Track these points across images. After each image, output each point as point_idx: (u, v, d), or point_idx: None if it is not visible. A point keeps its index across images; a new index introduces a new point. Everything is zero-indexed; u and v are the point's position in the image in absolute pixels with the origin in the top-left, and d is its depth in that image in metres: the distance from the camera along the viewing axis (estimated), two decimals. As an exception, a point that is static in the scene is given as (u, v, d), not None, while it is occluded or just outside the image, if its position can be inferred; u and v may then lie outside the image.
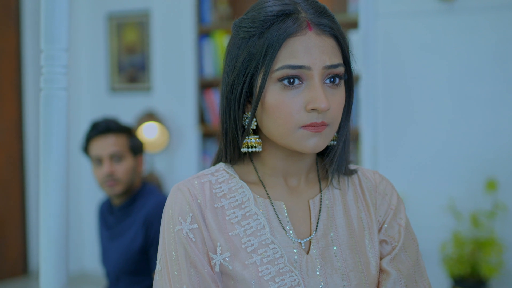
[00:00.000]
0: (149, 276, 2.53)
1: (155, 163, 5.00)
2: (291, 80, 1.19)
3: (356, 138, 4.11)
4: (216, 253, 1.24)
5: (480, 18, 3.65)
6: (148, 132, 4.75)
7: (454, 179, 3.70)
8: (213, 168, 1.35)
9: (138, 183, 2.70)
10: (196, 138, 4.83)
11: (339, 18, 4.47)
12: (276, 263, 1.23)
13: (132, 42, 5.38)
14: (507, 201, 3.58)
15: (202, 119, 4.85)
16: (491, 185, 3.55)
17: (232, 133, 1.29)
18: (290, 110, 1.19)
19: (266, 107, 1.22)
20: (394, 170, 3.76)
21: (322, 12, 1.23)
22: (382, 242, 1.34)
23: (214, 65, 4.74)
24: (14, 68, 5.54)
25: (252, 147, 1.28)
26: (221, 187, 1.31)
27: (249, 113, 1.27)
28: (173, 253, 1.25)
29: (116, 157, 2.59)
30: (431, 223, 3.64)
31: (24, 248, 5.63)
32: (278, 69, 1.19)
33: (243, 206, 1.29)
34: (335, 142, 1.32)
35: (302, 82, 1.20)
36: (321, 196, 1.33)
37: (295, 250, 1.25)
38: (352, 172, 1.38)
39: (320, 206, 1.32)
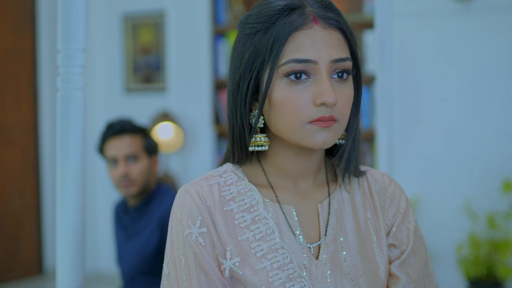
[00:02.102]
0: None
1: (170, 163, 5.01)
2: (298, 75, 1.17)
3: (371, 138, 4.10)
4: (226, 258, 1.21)
5: (496, 18, 3.62)
6: (163, 133, 4.76)
7: (470, 180, 3.67)
8: (220, 169, 1.32)
9: (153, 184, 2.70)
10: (211, 139, 4.84)
11: (354, 18, 4.47)
12: (286, 268, 1.21)
13: (147, 43, 5.39)
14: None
15: (217, 119, 4.86)
16: (508, 186, 3.53)
17: (239, 132, 1.26)
18: (297, 105, 1.17)
19: (273, 103, 1.20)
20: (409, 170, 3.73)
21: (328, 6, 1.22)
22: (390, 246, 1.31)
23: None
24: (30, 69, 5.57)
25: (260, 146, 1.25)
26: (229, 189, 1.28)
27: (256, 110, 1.25)
28: (181, 257, 1.22)
29: (131, 158, 2.59)
30: (447, 224, 3.62)
31: (39, 248, 5.65)
32: (284, 64, 1.18)
33: (252, 210, 1.26)
34: (343, 141, 1.30)
35: (309, 77, 1.18)
36: (329, 200, 1.31)
37: (305, 255, 1.24)
38: (361, 173, 1.35)
39: (329, 210, 1.29)
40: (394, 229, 1.32)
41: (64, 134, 1.62)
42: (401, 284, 1.27)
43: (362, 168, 1.37)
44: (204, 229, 1.22)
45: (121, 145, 2.59)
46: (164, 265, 1.28)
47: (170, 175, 4.84)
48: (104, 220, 5.42)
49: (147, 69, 5.40)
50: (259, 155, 1.32)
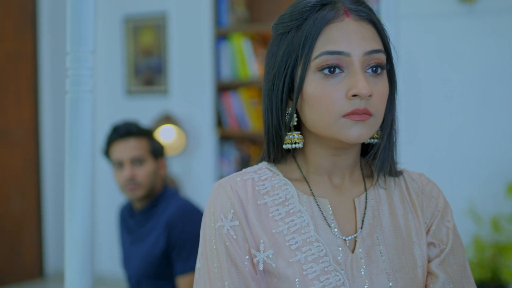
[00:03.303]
0: (171, 280, 2.52)
1: (171, 166, 4.99)
2: (332, 69, 1.17)
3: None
4: (259, 250, 1.21)
5: (501, 20, 3.62)
6: (165, 135, 4.74)
7: (474, 183, 3.67)
8: (255, 167, 1.34)
9: (160, 187, 2.68)
10: (213, 141, 4.82)
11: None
12: (320, 261, 1.20)
13: (149, 45, 5.37)
14: (528, 206, 3.54)
15: (219, 122, 4.84)
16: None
17: (275, 131, 1.27)
18: (331, 99, 1.17)
19: (307, 98, 1.21)
20: (413, 173, 3.72)
21: (359, 1, 1.23)
22: (429, 244, 1.30)
23: (232, 67, 4.72)
24: (31, 71, 5.56)
25: (294, 143, 1.26)
26: (264, 184, 1.29)
27: (290, 108, 1.25)
28: (213, 250, 1.24)
29: (137, 161, 2.57)
30: (451, 227, 3.61)
31: (40, 251, 5.64)
32: (317, 57, 1.18)
33: (286, 203, 1.26)
34: (376, 140, 1.29)
35: (343, 71, 1.18)
36: (366, 195, 1.30)
37: (340, 249, 1.23)
38: (398, 173, 1.34)
39: (366, 205, 1.29)
40: (433, 227, 1.31)
41: (74, 137, 1.61)
42: (440, 283, 1.26)
43: (399, 168, 1.36)
44: (236, 222, 1.23)
45: (127, 148, 2.57)
46: (197, 260, 1.29)
47: (172, 178, 4.82)
48: (105, 223, 5.40)
49: (148, 72, 5.38)
50: (294, 154, 1.33)
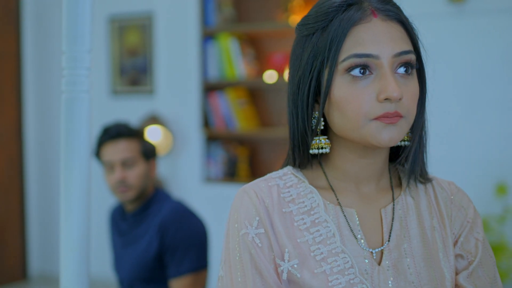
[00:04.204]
0: (163, 283, 2.48)
1: (158, 167, 4.95)
2: (361, 70, 1.13)
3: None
4: (283, 260, 1.18)
5: (490, 21, 3.62)
6: (152, 136, 4.70)
7: (463, 183, 3.62)
8: (280, 172, 1.29)
9: (151, 189, 2.65)
10: (200, 142, 4.79)
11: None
12: (346, 273, 1.16)
13: (134, 45, 5.34)
14: (517, 206, 3.55)
15: (206, 122, 4.81)
16: (501, 189, 3.52)
17: (301, 135, 1.23)
18: (360, 102, 1.13)
19: (334, 101, 1.16)
20: (403, 174, 3.72)
21: (386, 0, 1.19)
22: (457, 256, 1.26)
23: (219, 67, 4.69)
24: (14, 71, 5.50)
25: (321, 148, 1.22)
26: (289, 191, 1.25)
27: (316, 112, 1.22)
28: (237, 258, 1.20)
29: (127, 163, 2.53)
30: (441, 227, 3.61)
31: (23, 253, 5.59)
32: (344, 60, 1.14)
33: (312, 212, 1.22)
34: (408, 143, 1.25)
35: (372, 73, 1.14)
36: (393, 205, 1.26)
37: (366, 261, 1.19)
38: (428, 179, 1.30)
39: (393, 215, 1.25)
40: (461, 239, 1.27)
41: (70, 138, 1.57)
42: None
43: (429, 176, 1.32)
44: (261, 230, 1.20)
45: (117, 150, 2.53)
46: (220, 267, 1.25)
47: (158, 179, 4.79)
48: (96, 225, 5.35)
49: (133, 72, 5.35)
50: (320, 159, 1.29)
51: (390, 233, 1.23)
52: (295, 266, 1.17)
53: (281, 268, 1.18)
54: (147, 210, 2.57)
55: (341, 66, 1.15)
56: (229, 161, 4.80)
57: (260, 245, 1.19)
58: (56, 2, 5.56)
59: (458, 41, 3.68)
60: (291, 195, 1.24)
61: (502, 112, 3.62)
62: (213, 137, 4.86)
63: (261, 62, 4.83)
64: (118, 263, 2.63)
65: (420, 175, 1.29)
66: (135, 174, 2.53)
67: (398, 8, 1.20)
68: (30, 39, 5.60)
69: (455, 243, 1.26)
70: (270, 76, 4.58)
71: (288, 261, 1.18)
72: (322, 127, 1.22)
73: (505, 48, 3.61)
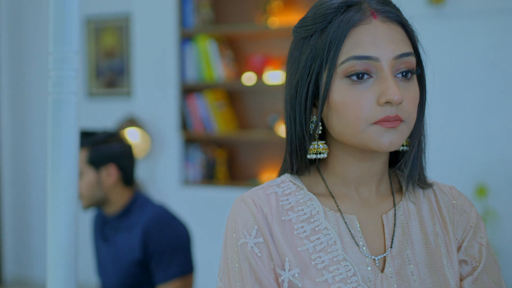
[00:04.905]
0: None
1: (136, 169, 4.91)
2: (360, 75, 1.11)
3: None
4: (284, 269, 1.14)
5: (470, 22, 3.64)
6: (129, 138, 4.66)
7: (443, 185, 3.67)
8: (278, 179, 1.26)
9: (124, 195, 2.56)
10: (178, 144, 4.75)
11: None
12: (349, 281, 1.13)
13: (111, 46, 5.29)
14: (497, 207, 3.57)
15: (184, 125, 4.77)
16: (481, 191, 3.54)
17: (298, 140, 1.21)
18: (360, 106, 1.10)
19: (333, 105, 1.14)
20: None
21: (385, 1, 1.16)
22: (461, 262, 1.23)
23: (197, 69, 4.66)
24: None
25: (318, 153, 1.20)
26: (287, 199, 1.22)
27: (314, 116, 1.19)
28: (236, 268, 1.16)
29: None
30: (421, 229, 3.61)
31: (-2, 258, 5.51)
32: (343, 62, 1.11)
33: (312, 220, 1.19)
34: (406, 148, 1.23)
35: (371, 76, 1.11)
36: (395, 210, 1.23)
37: (369, 268, 1.16)
38: (427, 185, 1.28)
39: (395, 221, 1.22)
40: (465, 244, 1.24)
41: (57, 141, 1.54)
42: None
43: (429, 180, 1.30)
44: (261, 239, 1.17)
45: None
46: (218, 278, 1.21)
47: (136, 182, 4.74)
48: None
49: (110, 73, 5.29)
50: (318, 164, 1.26)
51: (392, 239, 1.20)
52: (296, 275, 1.14)
53: (282, 277, 1.14)
54: (128, 214, 2.51)
55: (340, 69, 1.12)
56: (208, 163, 4.77)
57: (259, 254, 1.16)
58: (32, 1, 5.49)
59: (437, 43, 3.69)
60: (289, 203, 1.22)
61: (482, 114, 3.63)
62: (191, 140, 4.83)
63: (240, 64, 4.81)
64: (101, 268, 2.58)
65: (418, 180, 1.26)
66: (82, 185, 2.45)
67: (398, 9, 1.17)
68: (4, 40, 5.52)
69: (458, 249, 1.24)
70: (248, 78, 4.56)
71: (289, 270, 1.14)
72: (320, 132, 1.20)
73: (485, 50, 3.63)
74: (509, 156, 3.62)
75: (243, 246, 1.16)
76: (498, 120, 3.61)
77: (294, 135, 1.21)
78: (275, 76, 4.45)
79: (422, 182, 1.27)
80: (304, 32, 1.18)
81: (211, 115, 4.64)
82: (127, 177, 2.59)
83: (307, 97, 1.17)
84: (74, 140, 1.55)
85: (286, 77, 1.24)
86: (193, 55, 4.67)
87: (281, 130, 4.44)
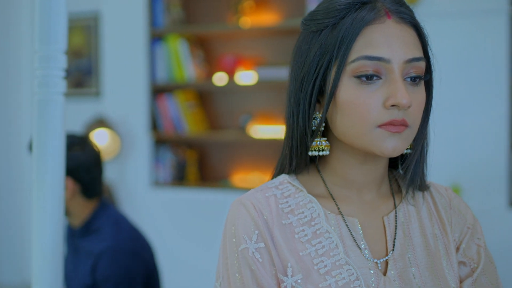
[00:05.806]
0: None
1: (106, 171, 4.83)
2: (369, 76, 1.08)
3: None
4: (286, 275, 1.12)
5: (441, 23, 3.66)
6: (99, 139, 4.59)
7: (417, 185, 3.69)
8: (276, 181, 1.23)
9: (85, 207, 2.40)
10: (148, 145, 4.70)
11: (297, 23, 4.43)
12: (352, 286, 1.11)
13: (78, 46, 5.20)
14: (471, 207, 3.58)
15: (155, 125, 4.72)
16: (455, 191, 3.56)
17: (300, 135, 1.17)
18: (367, 107, 1.08)
19: (339, 104, 1.11)
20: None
21: (400, 1, 1.14)
22: (460, 263, 1.22)
23: (167, 69, 4.61)
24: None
25: (320, 150, 1.17)
26: (287, 201, 1.19)
27: (317, 113, 1.16)
28: (237, 274, 1.13)
29: None
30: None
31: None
32: (353, 61, 1.09)
33: (312, 223, 1.16)
34: (410, 151, 1.21)
35: (380, 78, 1.09)
36: (396, 212, 1.21)
37: (372, 272, 1.14)
38: (426, 187, 1.26)
39: (396, 223, 1.20)
40: (463, 245, 1.23)
41: (42, 142, 1.50)
42: None
43: (426, 182, 1.28)
44: (262, 244, 1.13)
45: None
46: (217, 284, 1.18)
47: (106, 184, 4.67)
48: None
49: (78, 73, 5.21)
50: (318, 163, 1.23)
51: (394, 241, 1.19)
52: (299, 281, 1.11)
53: (285, 284, 1.12)
54: (91, 228, 2.37)
55: (350, 68, 1.10)
56: (178, 164, 4.73)
57: (260, 260, 1.13)
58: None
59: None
60: (289, 206, 1.19)
61: (455, 115, 3.66)
62: (161, 141, 4.77)
63: (211, 64, 4.77)
64: (68, 280, 2.45)
65: (420, 185, 1.25)
66: None
67: (411, 11, 1.15)
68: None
69: (457, 250, 1.23)
70: (219, 79, 4.52)
71: (292, 276, 1.12)
72: (322, 129, 1.17)
73: (457, 51, 3.66)
74: (482, 157, 3.65)
75: (244, 251, 1.14)
76: (472, 121, 3.64)
77: (296, 130, 1.18)
78: (247, 76, 4.43)
79: (422, 187, 1.26)
80: (315, 26, 1.16)
81: (182, 115, 4.59)
82: (87, 189, 2.39)
83: (312, 92, 1.15)
84: (60, 141, 1.51)
85: (292, 69, 1.20)
86: (164, 55, 4.62)
87: (256, 130, 4.41)
